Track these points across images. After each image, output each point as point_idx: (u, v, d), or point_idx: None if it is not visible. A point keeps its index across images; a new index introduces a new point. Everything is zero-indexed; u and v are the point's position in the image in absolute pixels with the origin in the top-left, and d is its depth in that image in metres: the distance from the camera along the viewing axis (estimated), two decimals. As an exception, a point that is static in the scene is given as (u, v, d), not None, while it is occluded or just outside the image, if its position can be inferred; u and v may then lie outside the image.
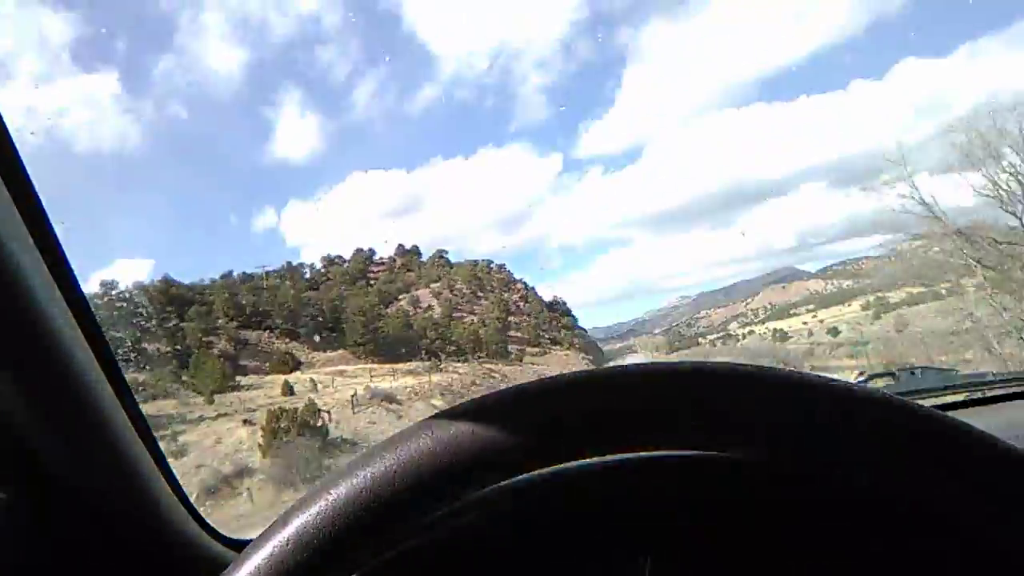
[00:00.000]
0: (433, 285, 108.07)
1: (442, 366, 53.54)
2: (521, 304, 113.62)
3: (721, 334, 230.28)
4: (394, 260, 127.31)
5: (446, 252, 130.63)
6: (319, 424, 22.81)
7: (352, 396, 28.90)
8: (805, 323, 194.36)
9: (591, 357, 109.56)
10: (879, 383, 1.92)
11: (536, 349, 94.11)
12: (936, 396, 1.63)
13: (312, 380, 38.88)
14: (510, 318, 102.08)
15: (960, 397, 1.61)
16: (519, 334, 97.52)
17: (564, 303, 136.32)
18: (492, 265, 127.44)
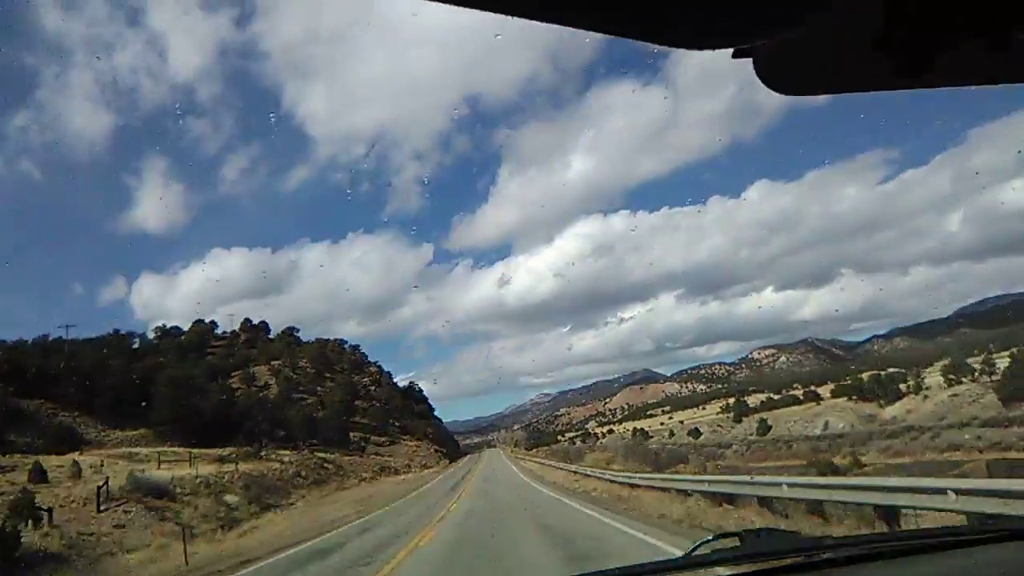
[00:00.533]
0: (274, 362, 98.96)
1: (263, 453, 46.24)
2: (372, 388, 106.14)
3: (580, 432, 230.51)
4: (237, 335, 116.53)
5: (297, 329, 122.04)
6: (16, 529, 16.01)
7: (100, 488, 21.87)
8: (662, 424, 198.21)
9: (444, 449, 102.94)
10: (726, 543, 2.00)
11: (383, 438, 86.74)
12: (778, 559, 1.75)
13: (77, 463, 30.96)
14: (357, 402, 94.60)
15: (801, 561, 1.75)
16: (365, 420, 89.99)
17: (420, 391, 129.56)
18: (346, 345, 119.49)
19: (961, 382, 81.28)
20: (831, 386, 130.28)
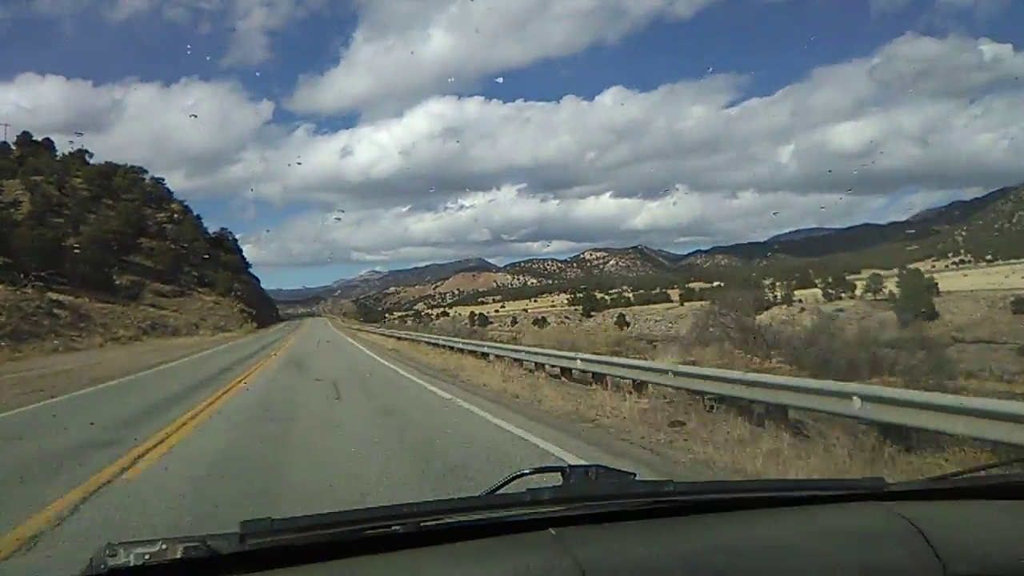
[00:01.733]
0: (36, 177, 75.62)
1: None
2: (167, 227, 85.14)
3: (410, 312, 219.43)
4: (9, 147, 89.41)
5: (87, 151, 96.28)
6: None
7: None
8: (497, 311, 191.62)
9: (254, 311, 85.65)
10: (545, 479, 1.65)
11: (169, 287, 67.57)
12: (606, 502, 1.50)
13: None
14: (142, 240, 73.71)
15: (633, 506, 1.51)
16: (149, 263, 70.10)
17: (234, 239, 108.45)
18: (147, 176, 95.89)
19: (841, 297, 77.58)
20: (676, 291, 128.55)
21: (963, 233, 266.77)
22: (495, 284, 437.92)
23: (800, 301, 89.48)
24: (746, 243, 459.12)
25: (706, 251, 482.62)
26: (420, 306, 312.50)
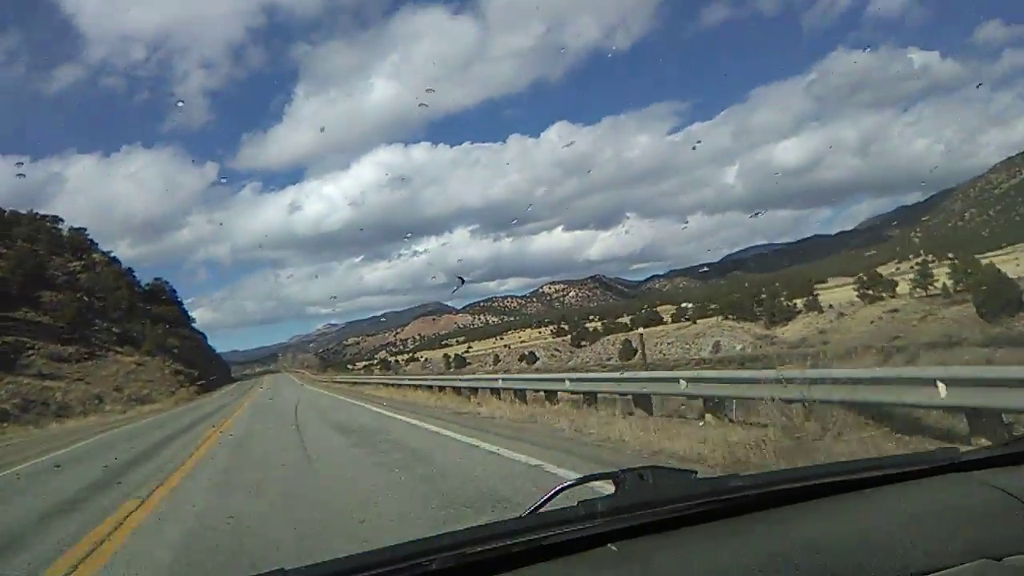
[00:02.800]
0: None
1: None
2: (81, 277, 69.39)
3: (374, 361, 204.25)
4: None
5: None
6: None
7: None
8: (466, 351, 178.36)
9: (195, 372, 69.78)
10: (598, 487, 1.53)
11: (73, 348, 51.26)
12: (668, 507, 1.32)
13: None
14: (43, 293, 57.82)
15: (699, 508, 1.34)
16: (45, 318, 53.73)
17: (172, 290, 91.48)
18: (62, 225, 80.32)
19: (882, 297, 66.75)
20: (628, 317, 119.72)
21: (918, 235, 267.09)
22: (456, 326, 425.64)
23: (831, 306, 79.23)
24: (699, 264, 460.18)
25: (663, 275, 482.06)
26: (382, 354, 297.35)
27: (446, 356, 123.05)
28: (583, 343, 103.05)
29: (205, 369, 76.17)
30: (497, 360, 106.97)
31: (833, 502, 1.42)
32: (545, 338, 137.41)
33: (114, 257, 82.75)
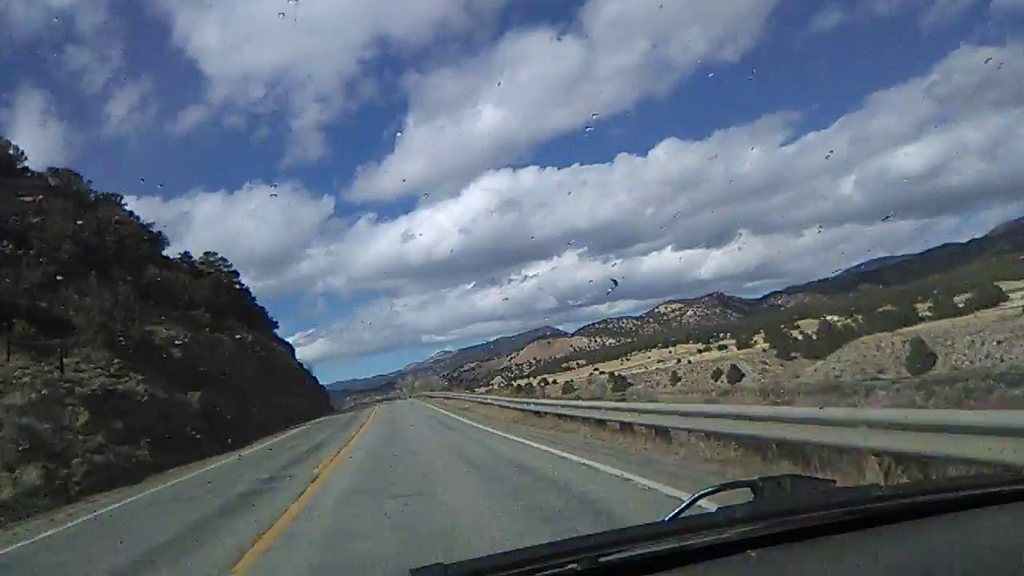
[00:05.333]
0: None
1: None
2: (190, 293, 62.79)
3: (501, 383, 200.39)
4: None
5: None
6: None
7: None
8: (589, 372, 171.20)
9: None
10: (734, 495, 1.51)
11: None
12: (807, 516, 1.32)
13: None
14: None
15: (839, 518, 1.32)
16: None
17: (252, 296, 71.94)
18: (149, 227, 71.71)
19: None
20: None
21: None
22: (572, 348, 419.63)
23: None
24: (818, 280, 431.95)
25: (782, 291, 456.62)
26: (497, 379, 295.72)
27: (612, 375, 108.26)
28: (793, 355, 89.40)
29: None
30: (677, 378, 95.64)
31: (974, 515, 1.35)
32: (692, 354, 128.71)
33: (237, 277, 73.78)
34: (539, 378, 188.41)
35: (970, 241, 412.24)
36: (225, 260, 63.60)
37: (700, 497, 1.48)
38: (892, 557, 1.19)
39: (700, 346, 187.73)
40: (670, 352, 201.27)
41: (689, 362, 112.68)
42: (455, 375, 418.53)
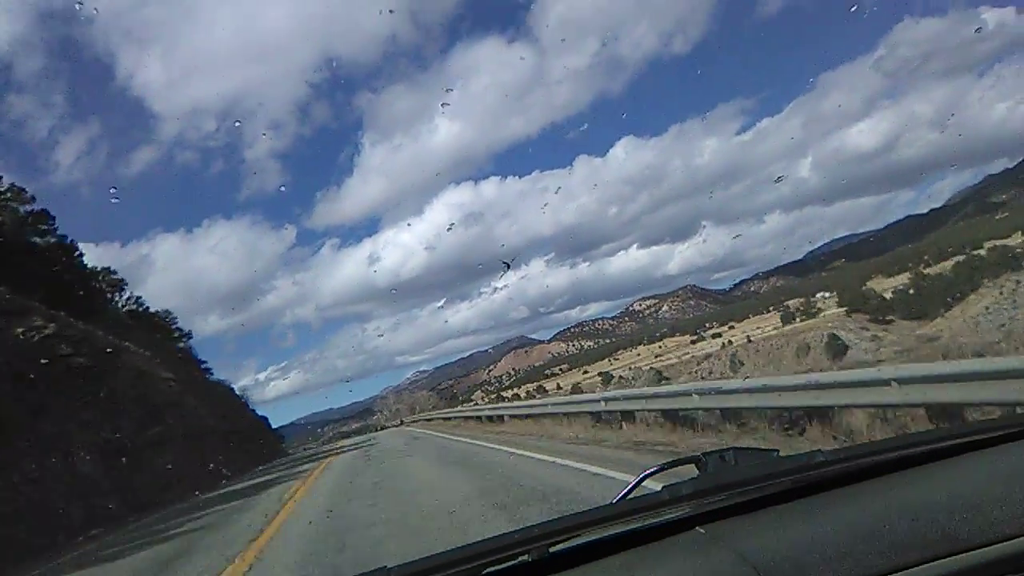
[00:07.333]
0: None
1: None
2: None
3: (493, 395, 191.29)
4: None
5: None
6: None
7: None
8: (609, 366, 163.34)
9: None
10: (679, 471, 1.50)
11: None
12: (754, 487, 1.32)
13: None
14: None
15: (784, 486, 1.34)
16: None
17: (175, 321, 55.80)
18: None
19: None
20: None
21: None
22: (550, 355, 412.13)
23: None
24: (785, 264, 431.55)
25: (750, 279, 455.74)
26: (478, 393, 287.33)
27: (653, 369, 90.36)
28: (889, 317, 77.04)
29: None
30: (739, 363, 73.89)
31: (923, 471, 1.37)
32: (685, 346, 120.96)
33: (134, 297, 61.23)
34: (524, 387, 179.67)
35: (930, 211, 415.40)
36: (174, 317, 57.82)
37: (645, 477, 1.44)
38: (836, 521, 1.19)
39: (691, 337, 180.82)
40: (699, 336, 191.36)
41: (749, 340, 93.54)
42: (446, 388, 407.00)
